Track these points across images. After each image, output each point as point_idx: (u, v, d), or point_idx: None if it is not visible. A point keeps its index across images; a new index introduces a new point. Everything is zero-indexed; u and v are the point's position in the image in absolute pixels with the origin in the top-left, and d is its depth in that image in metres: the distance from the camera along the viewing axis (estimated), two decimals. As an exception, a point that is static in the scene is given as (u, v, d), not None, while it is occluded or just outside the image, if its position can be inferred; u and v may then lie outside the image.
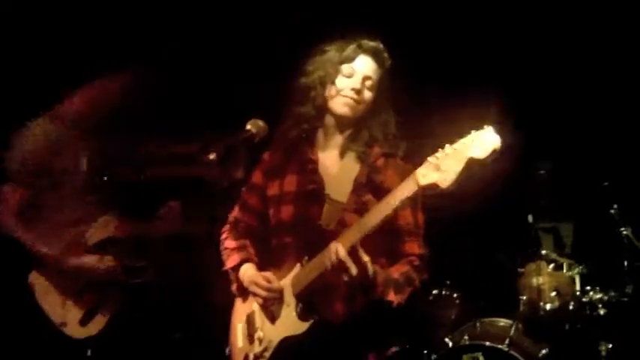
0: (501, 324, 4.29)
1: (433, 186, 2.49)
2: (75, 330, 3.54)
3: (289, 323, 2.73)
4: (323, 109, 2.90)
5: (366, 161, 2.88)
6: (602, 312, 4.14)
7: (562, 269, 4.37)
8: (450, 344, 4.24)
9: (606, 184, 4.34)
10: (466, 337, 4.19)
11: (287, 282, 2.79)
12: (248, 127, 2.98)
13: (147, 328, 3.73)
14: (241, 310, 2.92)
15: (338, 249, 2.58)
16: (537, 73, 4.84)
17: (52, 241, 3.58)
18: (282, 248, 2.86)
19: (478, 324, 4.27)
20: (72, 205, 3.64)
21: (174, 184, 3.78)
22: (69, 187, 3.63)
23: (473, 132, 2.46)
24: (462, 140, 2.46)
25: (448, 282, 4.59)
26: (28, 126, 3.63)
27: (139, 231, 3.66)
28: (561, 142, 4.75)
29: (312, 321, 2.69)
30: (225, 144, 2.97)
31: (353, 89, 2.86)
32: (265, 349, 2.77)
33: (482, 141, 2.42)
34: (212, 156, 3.07)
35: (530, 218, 4.50)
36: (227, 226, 3.08)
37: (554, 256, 4.44)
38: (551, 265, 4.40)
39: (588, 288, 4.23)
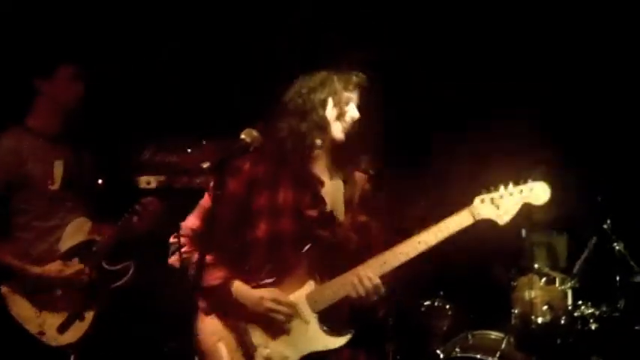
0: (493, 337, 4.31)
1: (488, 221, 2.75)
2: (54, 338, 3.50)
3: (316, 338, 2.79)
4: (323, 129, 2.92)
5: (350, 182, 2.97)
6: (593, 327, 4.15)
7: (554, 283, 4.39)
8: (442, 355, 4.27)
9: (600, 199, 4.36)
10: (457, 349, 4.21)
11: (300, 298, 2.82)
12: (242, 136, 2.96)
13: (129, 330, 3.70)
14: (218, 328, 2.83)
15: (373, 279, 2.72)
16: (535, 85, 4.86)
17: (20, 251, 3.57)
18: (279, 262, 2.85)
19: (470, 336, 4.29)
20: (45, 213, 3.62)
21: (166, 193, 3.75)
22: (41, 195, 3.61)
23: (530, 181, 2.77)
24: (523, 186, 2.76)
25: (441, 293, 4.60)
26: None
27: (116, 232, 3.61)
28: (556, 156, 4.77)
29: (349, 335, 2.77)
30: (219, 153, 2.98)
31: (352, 118, 2.92)
32: None
33: (539, 191, 2.76)
34: (205, 165, 3.09)
35: (523, 232, 4.53)
36: (184, 238, 2.90)
37: (546, 270, 4.46)
38: (544, 279, 4.41)
39: (580, 302, 4.26)
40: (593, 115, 4.85)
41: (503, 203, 2.75)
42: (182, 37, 4.52)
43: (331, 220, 2.89)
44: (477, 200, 2.77)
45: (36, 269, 3.53)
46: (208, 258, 2.76)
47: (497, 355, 4.10)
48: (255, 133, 2.93)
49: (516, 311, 4.37)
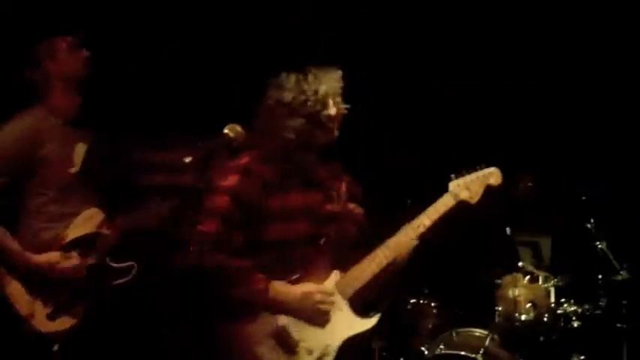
0: (477, 334, 4.34)
1: (464, 202, 3.10)
2: (42, 323, 3.44)
3: (350, 323, 2.96)
4: (327, 128, 3.01)
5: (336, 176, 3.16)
6: (575, 324, 4.21)
7: (538, 282, 4.43)
8: (427, 353, 4.30)
9: (583, 198, 4.41)
10: (442, 346, 4.24)
11: (331, 288, 2.96)
12: (225, 131, 3.01)
13: (119, 329, 3.68)
14: (257, 331, 2.87)
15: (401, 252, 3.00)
16: (517, 86, 4.90)
17: (33, 233, 3.52)
18: (298, 259, 2.95)
19: (454, 334, 4.32)
20: (60, 199, 3.55)
21: (153, 191, 3.74)
22: (58, 179, 3.54)
23: (490, 168, 3.17)
24: (484, 171, 3.16)
25: (426, 291, 4.64)
26: (15, 116, 3.57)
27: (122, 226, 3.55)
28: (540, 157, 4.82)
29: (377, 316, 2.98)
30: (203, 148, 2.99)
31: (338, 121, 3.04)
32: (324, 355, 2.91)
33: (496, 175, 3.18)
34: (188, 159, 3.09)
35: (508, 230, 4.57)
36: (205, 244, 2.88)
37: (530, 268, 4.50)
38: (528, 278, 4.45)
39: (563, 300, 4.31)
40: (577, 115, 4.90)
41: (472, 186, 3.14)
42: (181, 36, 4.52)
43: (339, 214, 3.04)
44: (452, 185, 3.14)
45: (33, 258, 3.47)
46: (243, 262, 2.84)
47: (482, 352, 4.12)
48: (238, 128, 3.00)
49: (500, 309, 4.41)
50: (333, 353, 2.91)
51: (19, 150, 3.49)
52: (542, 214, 4.70)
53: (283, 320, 2.89)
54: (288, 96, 2.99)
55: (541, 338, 4.27)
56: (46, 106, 3.60)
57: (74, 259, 3.50)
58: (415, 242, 3.03)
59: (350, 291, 2.97)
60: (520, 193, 4.77)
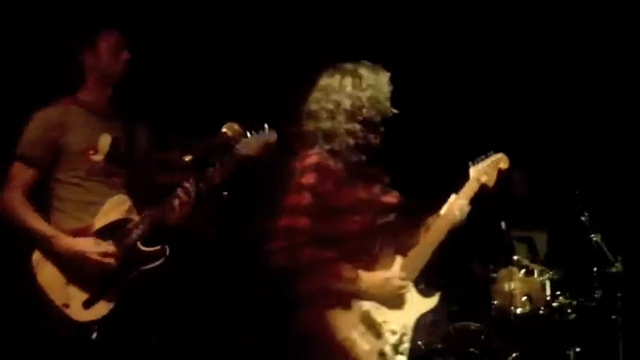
0: (473, 328, 4.37)
1: (484, 186, 3.28)
2: (78, 312, 3.39)
3: (420, 303, 3.14)
4: (377, 131, 3.14)
5: None
6: (571, 317, 4.24)
7: (533, 275, 4.46)
8: (423, 347, 4.31)
9: (577, 192, 4.43)
10: (439, 341, 4.27)
11: (398, 273, 3.12)
12: (224, 130, 3.06)
13: (152, 317, 3.66)
14: (348, 318, 2.98)
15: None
16: (511, 81, 4.92)
17: (58, 222, 3.48)
18: (368, 250, 3.08)
19: (451, 328, 4.35)
20: (85, 187, 3.52)
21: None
22: (81, 166, 3.51)
23: (498, 153, 3.34)
24: (495, 156, 3.32)
25: (422, 286, 4.64)
26: (44, 108, 3.55)
27: (155, 213, 3.46)
28: (535, 153, 4.84)
29: (440, 292, 3.18)
30: (202, 147, 2.99)
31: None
32: (404, 334, 3.05)
33: (504, 159, 3.35)
34: (187, 158, 3.09)
35: (503, 225, 4.59)
36: (296, 237, 2.96)
37: (526, 262, 4.52)
38: (523, 271, 4.48)
39: (558, 293, 4.33)
40: (572, 111, 4.92)
41: (489, 170, 3.30)
42: (181, 36, 4.51)
43: (395, 205, 3.17)
44: (473, 171, 3.29)
45: (67, 240, 3.43)
46: (328, 255, 2.96)
47: (478, 345, 4.16)
48: (236, 126, 3.10)
49: (496, 303, 4.44)
50: (410, 332, 3.07)
51: (44, 138, 3.49)
52: (538, 209, 4.72)
53: (366, 305, 3.02)
54: (346, 102, 3.10)
55: (537, 331, 4.30)
56: (75, 98, 3.59)
57: (109, 247, 3.44)
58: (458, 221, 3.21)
59: (413, 274, 3.13)
60: (515, 188, 4.80)
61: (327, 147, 3.05)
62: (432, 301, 3.16)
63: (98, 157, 3.52)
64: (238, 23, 4.63)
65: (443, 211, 3.21)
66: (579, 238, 4.41)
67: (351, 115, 3.09)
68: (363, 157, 3.11)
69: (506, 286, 4.43)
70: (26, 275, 3.44)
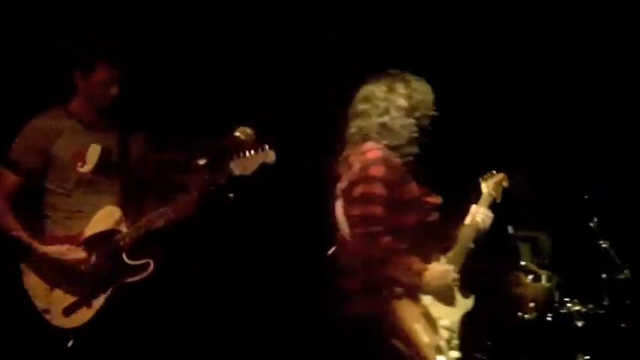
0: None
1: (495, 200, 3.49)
2: (57, 318, 3.49)
3: (462, 303, 3.26)
4: (425, 131, 3.31)
5: None
6: (579, 324, 4.20)
7: (540, 280, 4.42)
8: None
9: (586, 197, 4.40)
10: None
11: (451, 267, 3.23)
12: (237, 134, 3.11)
13: (135, 326, 3.66)
14: (413, 310, 3.09)
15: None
16: (518, 82, 4.88)
17: (50, 230, 3.59)
18: (420, 246, 3.18)
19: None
20: (73, 196, 3.61)
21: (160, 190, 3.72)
22: (69, 177, 3.60)
23: (500, 173, 3.55)
24: (499, 175, 3.53)
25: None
26: (36, 117, 3.66)
27: (143, 224, 3.55)
28: (542, 153, 4.82)
29: (473, 295, 3.31)
30: (214, 150, 3.03)
31: None
32: (453, 331, 3.15)
33: (506, 178, 3.56)
34: (202, 161, 3.14)
35: (510, 229, 4.56)
36: (377, 227, 3.06)
37: (533, 267, 4.49)
38: (530, 277, 4.44)
39: (566, 300, 4.30)
40: (580, 113, 4.89)
41: (497, 187, 3.51)
42: (181, 36, 4.52)
43: (437, 204, 3.30)
44: (484, 186, 3.49)
45: (41, 247, 3.54)
46: (401, 246, 3.09)
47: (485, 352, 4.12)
48: (249, 130, 3.23)
49: (503, 308, 4.40)
50: (457, 329, 3.17)
51: (33, 146, 3.59)
52: (542, 211, 4.69)
53: (426, 300, 3.12)
54: (401, 101, 3.25)
55: (544, 338, 4.27)
56: (65, 108, 3.68)
57: (90, 253, 3.53)
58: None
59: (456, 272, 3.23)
60: (517, 188, 4.76)
61: (385, 142, 3.15)
62: (470, 302, 3.27)
63: (86, 168, 3.61)
64: (238, 23, 4.63)
65: (467, 220, 3.36)
66: (586, 244, 4.40)
67: (407, 112, 3.22)
68: (418, 152, 3.22)
69: (512, 292, 4.40)
70: (15, 279, 3.58)
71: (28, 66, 4.22)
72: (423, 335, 3.06)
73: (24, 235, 3.55)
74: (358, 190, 3.09)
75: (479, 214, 3.38)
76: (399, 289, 3.07)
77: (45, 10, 4.27)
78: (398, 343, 3.04)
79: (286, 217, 4.69)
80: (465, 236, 3.32)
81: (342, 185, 3.22)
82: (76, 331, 3.48)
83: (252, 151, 3.42)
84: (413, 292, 3.09)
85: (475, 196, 3.49)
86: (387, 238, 3.03)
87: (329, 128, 4.43)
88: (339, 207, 3.23)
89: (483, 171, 3.59)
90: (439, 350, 3.07)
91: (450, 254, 3.26)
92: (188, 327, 4.53)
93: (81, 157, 3.61)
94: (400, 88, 3.25)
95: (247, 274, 4.66)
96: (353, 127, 3.26)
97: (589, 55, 4.87)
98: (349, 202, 3.13)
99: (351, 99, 3.37)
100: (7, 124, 3.91)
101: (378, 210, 3.05)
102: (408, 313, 3.07)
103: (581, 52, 4.87)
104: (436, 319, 3.12)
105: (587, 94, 4.88)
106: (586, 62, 4.87)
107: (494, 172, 3.57)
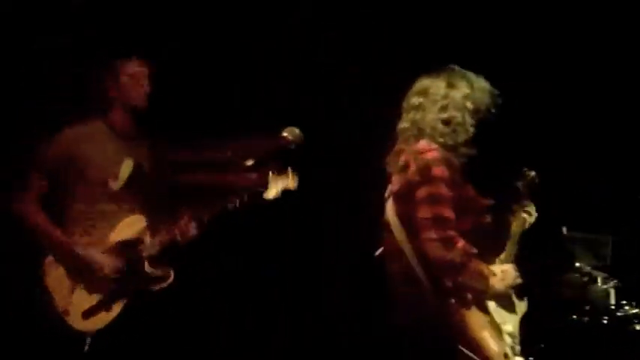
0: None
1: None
2: (76, 321, 3.49)
3: (519, 306, 3.14)
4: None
5: None
6: (637, 327, 4.07)
7: (596, 282, 4.30)
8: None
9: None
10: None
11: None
12: (285, 134, 3.10)
13: (154, 331, 3.66)
14: (480, 317, 2.97)
15: None
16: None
17: (70, 235, 3.59)
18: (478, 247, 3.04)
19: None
20: (99, 213, 3.61)
21: (202, 191, 3.71)
22: (98, 195, 3.61)
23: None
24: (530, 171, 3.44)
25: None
26: (73, 125, 3.67)
27: (169, 237, 3.57)
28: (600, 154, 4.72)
29: (526, 297, 3.18)
30: (261, 150, 3.00)
31: None
32: (515, 337, 3.06)
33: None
34: (250, 162, 3.11)
35: (564, 230, 4.45)
36: (452, 232, 2.93)
37: (588, 269, 4.37)
38: (585, 278, 4.33)
39: (624, 302, 4.18)
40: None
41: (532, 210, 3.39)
42: (180, 36, 4.52)
43: (487, 207, 3.14)
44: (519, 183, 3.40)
45: (83, 248, 3.54)
46: (474, 250, 2.93)
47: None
48: (297, 131, 3.20)
49: (557, 311, 4.30)
50: (518, 336, 3.08)
51: (65, 154, 3.60)
52: (603, 213, 4.58)
53: (492, 306, 3.01)
54: (464, 100, 3.05)
55: (600, 341, 4.15)
56: (103, 120, 3.69)
57: (115, 260, 3.53)
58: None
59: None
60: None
61: (441, 140, 2.97)
62: (525, 305, 3.15)
63: (117, 185, 3.61)
64: (238, 23, 4.63)
65: (514, 218, 3.28)
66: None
67: (468, 111, 3.03)
68: (475, 154, 3.03)
69: (566, 294, 4.30)
70: (35, 277, 3.57)
71: (28, 66, 4.24)
72: (492, 344, 2.92)
73: (58, 234, 3.58)
74: (423, 192, 2.88)
75: (524, 210, 3.31)
76: (469, 296, 2.92)
77: (45, 10, 4.29)
78: (467, 352, 2.88)
79: (285, 218, 4.60)
80: (514, 235, 3.24)
81: (394, 187, 3.04)
82: (93, 336, 3.48)
83: (276, 173, 3.40)
84: (482, 298, 2.97)
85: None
86: (462, 242, 2.85)
87: (329, 128, 4.49)
88: (389, 209, 3.04)
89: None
90: (507, 358, 2.96)
91: (503, 256, 3.16)
92: (207, 331, 4.53)
93: (113, 172, 3.61)
94: (462, 86, 3.04)
95: (275, 274, 4.65)
96: (406, 121, 3.06)
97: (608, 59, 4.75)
98: (412, 204, 2.91)
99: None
100: (7, 123, 4.00)
101: (447, 212, 2.87)
102: (476, 321, 2.94)
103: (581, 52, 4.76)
104: (500, 325, 3.01)
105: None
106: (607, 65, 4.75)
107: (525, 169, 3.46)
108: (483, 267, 2.94)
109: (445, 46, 4.64)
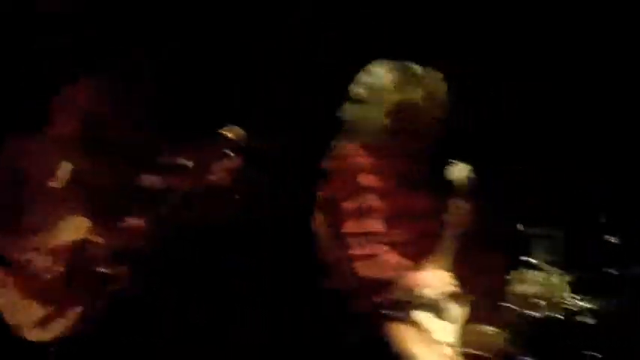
0: (489, 332, 4.24)
1: None
2: (31, 333, 3.49)
3: (459, 312, 3.30)
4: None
5: None
6: (591, 322, 4.09)
7: (551, 277, 4.32)
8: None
9: (593, 193, 4.33)
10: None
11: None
12: (225, 133, 3.27)
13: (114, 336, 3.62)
14: (411, 332, 3.02)
15: None
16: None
17: (15, 242, 3.61)
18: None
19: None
20: (41, 212, 3.66)
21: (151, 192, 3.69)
22: (39, 193, 3.65)
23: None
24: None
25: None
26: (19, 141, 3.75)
27: (118, 236, 3.52)
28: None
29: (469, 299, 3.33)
30: (203, 151, 3.02)
31: None
32: (455, 346, 3.20)
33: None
34: (189, 162, 3.12)
35: (520, 226, 4.48)
36: None
37: (543, 264, 4.40)
38: (540, 273, 4.35)
39: (578, 297, 4.20)
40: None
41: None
42: (180, 36, 4.57)
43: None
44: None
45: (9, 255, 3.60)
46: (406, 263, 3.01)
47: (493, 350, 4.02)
48: (239, 130, 3.01)
49: (511, 306, 4.31)
50: (459, 341, 3.20)
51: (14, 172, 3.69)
52: (555, 207, 4.63)
53: (425, 317, 3.06)
54: (413, 95, 3.04)
55: (554, 336, 4.19)
56: (49, 130, 3.78)
57: (57, 264, 3.56)
58: None
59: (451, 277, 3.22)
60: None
61: (381, 138, 2.92)
62: (466, 309, 3.27)
63: (57, 184, 3.67)
64: (238, 23, 4.67)
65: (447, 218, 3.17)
66: (598, 239, 4.31)
67: (416, 108, 2.99)
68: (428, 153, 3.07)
69: (521, 289, 4.31)
70: None
71: (28, 66, 4.26)
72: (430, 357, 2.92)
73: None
74: (349, 205, 2.76)
75: (455, 209, 3.20)
76: (401, 313, 2.84)
77: (45, 10, 4.33)
78: None
79: (284, 218, 4.59)
80: (448, 238, 3.13)
81: (324, 195, 2.88)
82: (55, 344, 3.45)
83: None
84: (411, 312, 2.90)
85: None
86: (393, 257, 2.73)
87: (329, 128, 4.48)
88: (320, 222, 2.91)
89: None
90: None
91: (436, 258, 3.03)
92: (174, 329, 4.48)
93: (52, 173, 3.64)
94: (411, 80, 2.91)
95: (244, 267, 4.61)
96: (347, 115, 2.92)
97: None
98: (339, 218, 2.77)
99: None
100: (7, 124, 3.98)
101: (378, 225, 2.74)
102: (409, 336, 2.89)
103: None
104: (433, 335, 3.00)
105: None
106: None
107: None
108: (416, 279, 2.86)
109: (445, 46, 4.69)
